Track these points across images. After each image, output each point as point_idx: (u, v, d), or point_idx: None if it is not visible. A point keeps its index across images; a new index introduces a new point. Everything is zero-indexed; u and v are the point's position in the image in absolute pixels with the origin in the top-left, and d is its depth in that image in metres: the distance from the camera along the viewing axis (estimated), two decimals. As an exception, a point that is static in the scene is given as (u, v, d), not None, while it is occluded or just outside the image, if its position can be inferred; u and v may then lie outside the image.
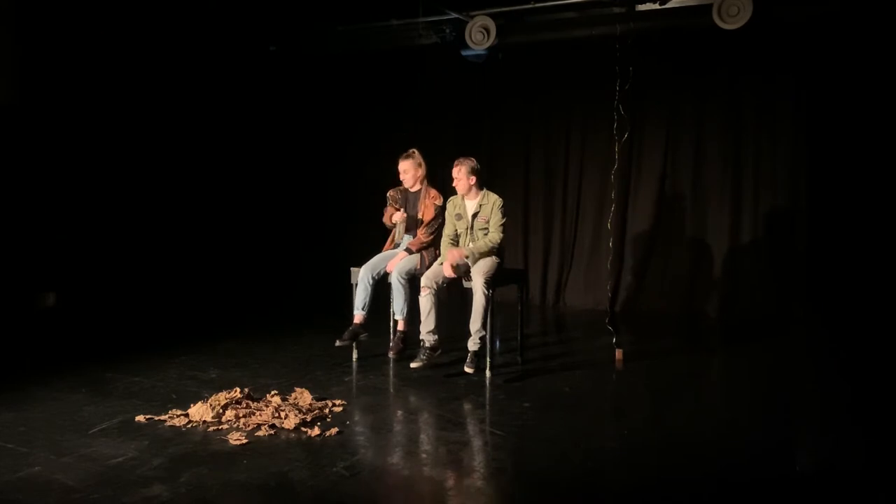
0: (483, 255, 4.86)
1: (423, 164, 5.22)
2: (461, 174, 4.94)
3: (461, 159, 4.99)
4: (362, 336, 5.17)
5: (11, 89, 6.02)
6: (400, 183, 5.30)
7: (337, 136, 8.58)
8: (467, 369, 4.79)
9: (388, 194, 5.36)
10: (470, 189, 4.97)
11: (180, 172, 7.40)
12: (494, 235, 4.87)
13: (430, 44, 6.95)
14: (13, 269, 6.03)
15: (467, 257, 4.86)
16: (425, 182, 5.24)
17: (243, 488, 3.09)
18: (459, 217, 5.01)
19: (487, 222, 4.90)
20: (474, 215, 4.95)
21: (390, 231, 5.34)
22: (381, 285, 5.18)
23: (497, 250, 4.96)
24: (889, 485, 3.28)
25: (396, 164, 5.25)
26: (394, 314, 5.17)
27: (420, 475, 3.33)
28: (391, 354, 5.12)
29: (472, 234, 4.98)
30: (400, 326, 5.14)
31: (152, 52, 7.02)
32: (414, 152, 5.22)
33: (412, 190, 5.25)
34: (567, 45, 6.86)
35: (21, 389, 4.37)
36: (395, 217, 5.20)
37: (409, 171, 5.18)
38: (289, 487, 3.12)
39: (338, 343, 5.13)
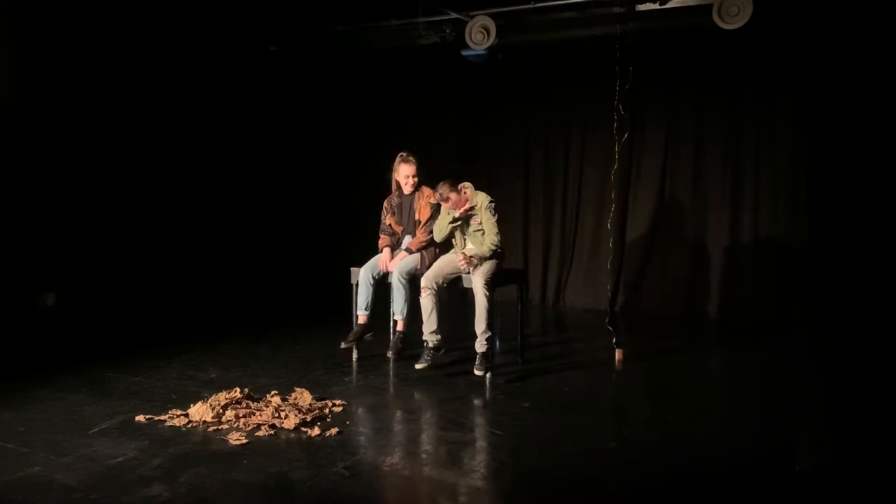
0: (487, 258, 4.84)
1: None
2: (456, 199, 4.82)
3: (442, 190, 4.81)
4: (367, 336, 5.17)
5: (10, 90, 6.02)
6: (391, 190, 5.29)
7: (337, 136, 8.58)
8: (477, 371, 4.75)
9: (383, 206, 5.31)
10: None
11: (181, 173, 7.38)
12: (492, 237, 4.84)
13: (430, 44, 6.94)
14: (13, 269, 6.03)
15: (474, 261, 4.83)
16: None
17: (243, 488, 3.10)
18: (454, 220, 5.00)
19: (481, 224, 4.88)
20: (467, 219, 4.94)
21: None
22: (381, 285, 5.18)
23: (499, 252, 4.95)
24: (889, 485, 3.28)
25: (392, 170, 5.22)
26: (393, 314, 5.17)
27: (420, 475, 3.33)
28: (390, 354, 5.12)
29: (466, 233, 4.97)
30: (399, 326, 5.14)
31: (152, 53, 7.01)
32: (410, 155, 5.20)
33: (406, 193, 5.24)
34: (567, 45, 6.85)
35: (21, 389, 4.37)
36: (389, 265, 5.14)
37: (417, 174, 5.15)
38: (289, 487, 3.12)
39: (343, 345, 5.14)
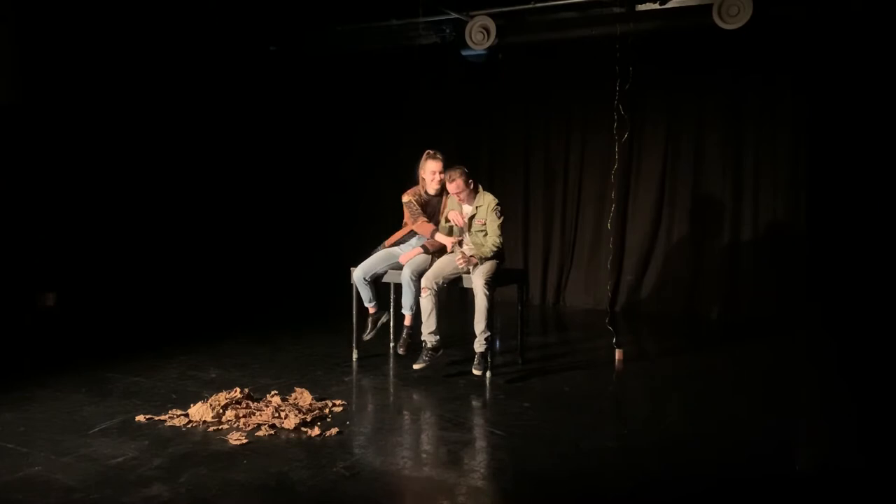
0: (487, 259, 4.85)
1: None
2: (460, 186, 4.81)
3: (453, 172, 4.82)
4: (382, 320, 5.22)
5: (13, 89, 6.02)
6: (410, 185, 5.20)
7: (337, 136, 8.58)
8: (475, 371, 4.78)
9: (405, 200, 5.14)
10: (470, 193, 4.92)
11: (181, 173, 7.39)
12: (494, 239, 4.83)
13: (430, 44, 6.95)
14: (13, 269, 6.03)
15: (473, 260, 4.83)
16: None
17: (243, 488, 3.10)
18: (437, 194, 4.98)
19: (484, 225, 4.86)
20: (471, 218, 4.92)
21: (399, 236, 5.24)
22: (375, 284, 5.15)
23: (500, 253, 4.93)
24: (889, 484, 3.28)
25: (419, 166, 5.12)
26: (401, 309, 5.15)
27: (420, 475, 3.33)
28: (401, 350, 5.10)
29: (469, 233, 4.96)
30: (406, 322, 5.11)
31: (153, 53, 7.02)
32: (438, 153, 5.09)
33: (431, 191, 5.15)
34: (567, 45, 6.86)
35: (21, 389, 4.37)
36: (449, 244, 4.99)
37: (443, 172, 5.02)
38: (289, 487, 3.12)
39: (366, 337, 5.21)
